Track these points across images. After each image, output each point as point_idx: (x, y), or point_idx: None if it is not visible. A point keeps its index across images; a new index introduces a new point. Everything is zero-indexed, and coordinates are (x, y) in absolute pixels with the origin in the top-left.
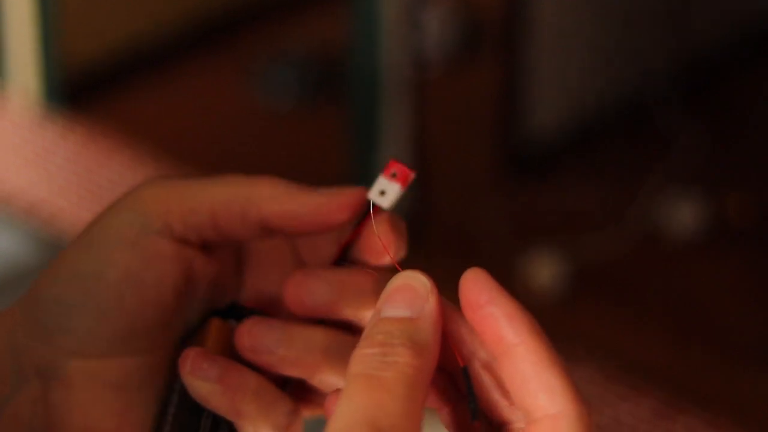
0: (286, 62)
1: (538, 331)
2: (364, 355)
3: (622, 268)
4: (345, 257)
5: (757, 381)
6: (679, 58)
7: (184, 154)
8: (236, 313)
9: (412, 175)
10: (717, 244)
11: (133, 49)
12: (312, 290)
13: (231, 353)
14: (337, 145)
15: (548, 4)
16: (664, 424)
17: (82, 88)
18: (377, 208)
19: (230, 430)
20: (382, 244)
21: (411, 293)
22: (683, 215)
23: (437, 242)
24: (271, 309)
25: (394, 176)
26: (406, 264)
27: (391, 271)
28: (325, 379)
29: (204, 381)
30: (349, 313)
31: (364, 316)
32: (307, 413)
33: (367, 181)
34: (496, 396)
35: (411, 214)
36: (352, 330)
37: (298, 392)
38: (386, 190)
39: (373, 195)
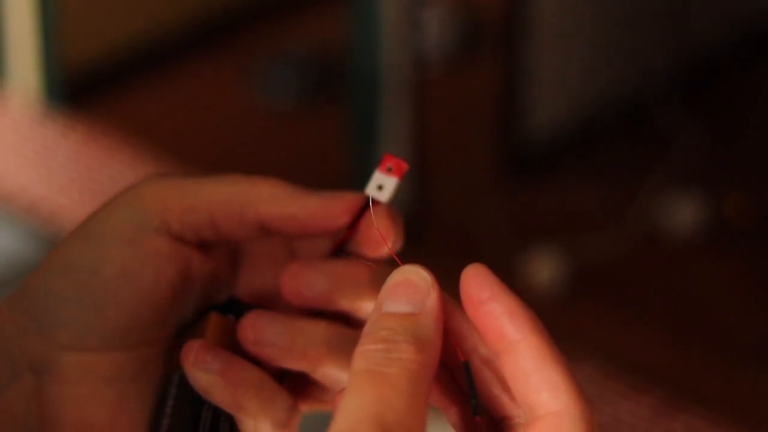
0: (286, 62)
1: (539, 328)
2: (367, 351)
3: (622, 268)
4: (342, 250)
5: (757, 380)
6: (679, 58)
7: (184, 153)
8: (234, 307)
9: (406, 167)
10: (717, 244)
11: (133, 48)
12: (309, 281)
13: (229, 348)
14: (337, 145)
15: (548, 4)
16: (663, 423)
17: (83, 86)
18: (376, 202)
19: (231, 423)
20: (381, 237)
21: (412, 288)
22: (683, 215)
23: (437, 242)
24: (266, 304)
25: (390, 170)
26: (405, 263)
27: (390, 263)
28: (328, 372)
29: (207, 373)
30: (346, 303)
31: (361, 307)
32: (305, 408)
33: (367, 181)
34: (496, 391)
35: (411, 214)
36: (349, 323)
37: (296, 387)
38: (384, 185)
39: (371, 190)
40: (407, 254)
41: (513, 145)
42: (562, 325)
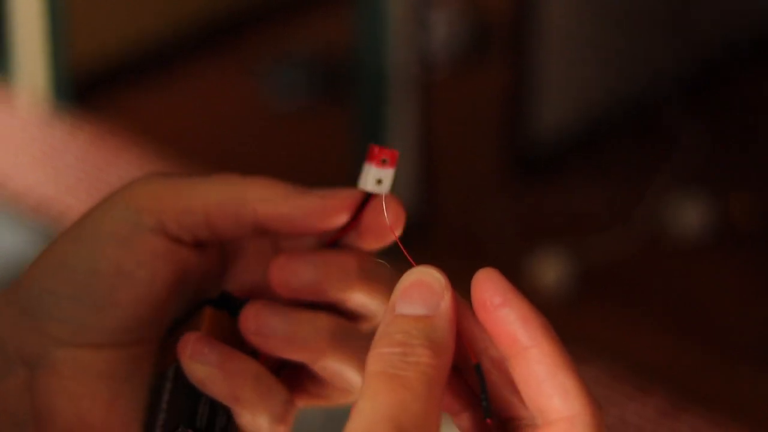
0: (290, 63)
1: (551, 334)
2: (383, 353)
3: (628, 269)
4: (336, 243)
5: (763, 382)
6: (686, 60)
7: (190, 153)
8: (227, 302)
9: (398, 154)
10: (723, 245)
11: (140, 48)
12: (296, 271)
13: (224, 343)
14: (342, 146)
15: (556, 6)
16: (669, 424)
17: (90, 86)
18: (378, 195)
19: (228, 416)
20: (390, 229)
21: (426, 289)
22: (689, 217)
23: (443, 243)
24: (256, 299)
25: (384, 162)
26: (418, 263)
27: (394, 257)
28: (328, 364)
29: (204, 365)
30: (335, 294)
31: (351, 297)
32: (300, 404)
33: (365, 177)
34: (506, 392)
35: (417, 215)
36: (341, 314)
37: (292, 383)
38: (381, 177)
39: (370, 185)
40: (413, 255)
41: (519, 146)
42: (569, 326)
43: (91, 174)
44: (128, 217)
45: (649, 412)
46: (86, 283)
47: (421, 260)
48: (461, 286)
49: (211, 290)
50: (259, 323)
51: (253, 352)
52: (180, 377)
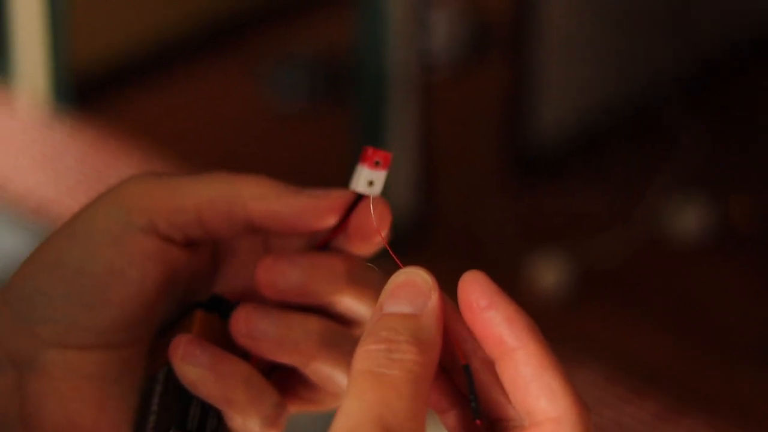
0: (292, 64)
1: (537, 335)
2: (369, 351)
3: (628, 271)
4: (326, 246)
5: (762, 384)
6: (686, 61)
7: (191, 154)
8: (218, 305)
9: (391, 156)
10: (722, 247)
11: (141, 50)
12: (283, 273)
13: (216, 345)
14: (344, 147)
15: (556, 7)
16: (664, 427)
17: (91, 88)
18: (368, 197)
19: (219, 419)
20: (378, 231)
21: (413, 289)
22: (689, 218)
23: (443, 243)
24: (246, 302)
25: (378, 164)
26: (412, 263)
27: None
28: (319, 367)
29: (195, 367)
30: (322, 296)
31: (339, 300)
32: (291, 409)
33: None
34: (494, 393)
35: (417, 215)
36: (330, 317)
37: (283, 387)
38: (373, 179)
39: (362, 186)
40: (413, 255)
41: (519, 146)
42: (568, 327)
43: (90, 176)
44: (120, 217)
45: (644, 416)
46: (77, 282)
47: (420, 261)
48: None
49: (201, 291)
50: (250, 326)
51: (245, 355)
52: (171, 379)
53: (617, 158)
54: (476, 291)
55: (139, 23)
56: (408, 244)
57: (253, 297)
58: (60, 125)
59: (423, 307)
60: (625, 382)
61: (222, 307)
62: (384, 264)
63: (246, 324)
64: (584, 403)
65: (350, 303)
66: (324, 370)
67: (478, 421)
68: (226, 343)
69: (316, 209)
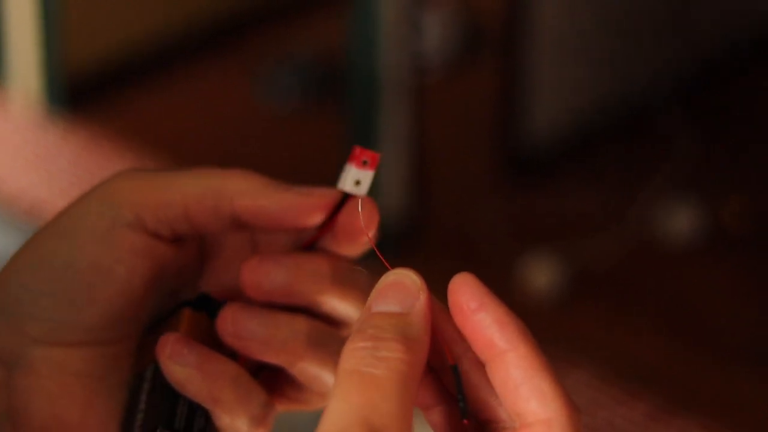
0: (290, 65)
1: (528, 337)
2: (355, 349)
3: (621, 272)
4: (313, 246)
5: (754, 386)
6: (679, 63)
7: (187, 156)
8: (206, 303)
9: (379, 157)
10: (715, 248)
11: (135, 51)
12: (268, 273)
13: (203, 344)
14: (340, 148)
15: (549, 8)
16: (656, 427)
17: (84, 90)
18: (355, 197)
19: (206, 418)
20: (365, 231)
21: (402, 289)
22: (681, 220)
23: (436, 245)
24: (232, 300)
25: (365, 163)
26: (404, 264)
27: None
28: (306, 367)
29: (183, 366)
30: (308, 296)
31: (324, 300)
32: (279, 409)
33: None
34: (483, 395)
35: (410, 217)
36: (317, 317)
37: (270, 386)
38: (360, 179)
39: (349, 185)
40: (406, 256)
41: (512, 148)
42: (560, 328)
43: (84, 178)
44: (106, 213)
45: (637, 417)
46: (64, 279)
47: (413, 262)
48: None
49: (188, 288)
50: (237, 325)
51: (232, 354)
52: (158, 378)
53: (610, 159)
54: (466, 293)
55: (134, 24)
56: (400, 245)
57: (240, 294)
58: (53, 127)
59: (411, 307)
60: (618, 382)
61: (209, 306)
62: (372, 265)
63: (233, 324)
64: (575, 405)
65: (335, 304)
66: (311, 370)
67: (465, 421)
68: (213, 342)
69: (303, 206)
